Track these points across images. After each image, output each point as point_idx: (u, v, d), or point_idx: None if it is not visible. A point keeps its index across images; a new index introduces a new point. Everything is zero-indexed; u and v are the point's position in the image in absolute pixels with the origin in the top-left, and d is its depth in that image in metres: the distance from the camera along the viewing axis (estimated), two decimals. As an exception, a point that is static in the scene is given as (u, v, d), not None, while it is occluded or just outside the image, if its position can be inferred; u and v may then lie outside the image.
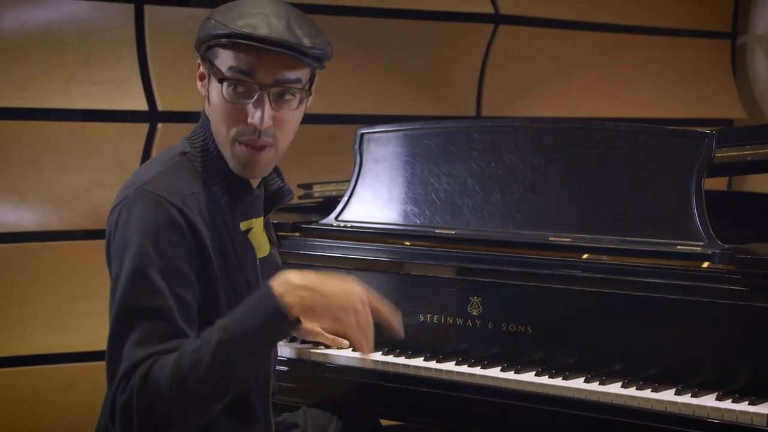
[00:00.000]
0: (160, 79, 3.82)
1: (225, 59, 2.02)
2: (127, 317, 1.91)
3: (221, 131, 2.07)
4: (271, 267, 2.23)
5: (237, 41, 1.99)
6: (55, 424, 3.72)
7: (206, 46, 2.05)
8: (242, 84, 2.02)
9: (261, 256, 2.19)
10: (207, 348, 1.86)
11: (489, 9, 4.39)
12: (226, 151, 2.08)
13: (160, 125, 3.83)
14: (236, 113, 2.03)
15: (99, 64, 3.74)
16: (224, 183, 2.09)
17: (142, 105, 3.80)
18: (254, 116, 2.02)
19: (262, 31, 1.98)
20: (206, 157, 2.10)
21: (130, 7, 3.80)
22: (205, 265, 2.00)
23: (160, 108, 3.83)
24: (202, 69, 2.10)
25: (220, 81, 2.02)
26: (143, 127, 3.82)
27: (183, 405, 1.85)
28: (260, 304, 1.91)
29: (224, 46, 2.02)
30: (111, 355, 1.92)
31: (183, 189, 2.02)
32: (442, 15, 4.31)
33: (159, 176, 2.02)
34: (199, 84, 2.11)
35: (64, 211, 3.73)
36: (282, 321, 1.91)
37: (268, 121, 2.02)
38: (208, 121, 2.12)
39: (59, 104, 3.70)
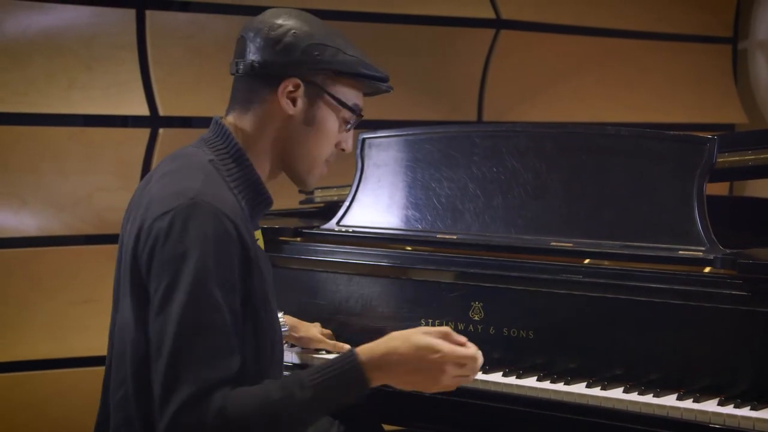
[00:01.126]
0: (161, 84, 3.83)
1: (346, 93, 2.16)
2: (189, 333, 1.89)
3: (317, 151, 2.16)
4: None
5: (377, 84, 2.19)
6: (56, 429, 3.72)
7: (324, 72, 2.12)
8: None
9: None
10: (291, 403, 1.90)
11: (490, 14, 4.40)
12: (313, 170, 2.18)
13: (161, 130, 3.83)
14: (336, 138, 2.18)
15: (100, 69, 3.74)
16: (248, 192, 2.09)
17: (143, 110, 3.81)
18: (348, 143, 2.21)
19: (381, 74, 2.20)
20: (237, 167, 2.09)
21: (132, 12, 3.80)
22: (249, 275, 1.99)
23: (161, 113, 3.83)
24: (302, 91, 2.12)
25: (353, 115, 2.18)
26: (144, 132, 3.82)
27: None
28: (348, 377, 1.94)
29: (346, 79, 2.15)
30: (170, 368, 1.88)
31: (229, 199, 2.01)
32: (443, 20, 4.31)
33: (206, 185, 2.00)
34: (287, 103, 2.11)
35: (66, 216, 3.73)
36: (364, 393, 1.96)
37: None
38: (261, 132, 2.13)
39: (61, 109, 3.70)
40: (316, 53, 2.10)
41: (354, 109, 2.17)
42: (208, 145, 2.12)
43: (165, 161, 2.14)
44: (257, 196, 2.11)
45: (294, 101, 2.11)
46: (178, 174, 2.03)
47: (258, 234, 2.19)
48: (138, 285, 1.97)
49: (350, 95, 2.16)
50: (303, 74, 2.11)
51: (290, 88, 2.10)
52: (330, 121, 2.15)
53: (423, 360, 1.95)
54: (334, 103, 2.14)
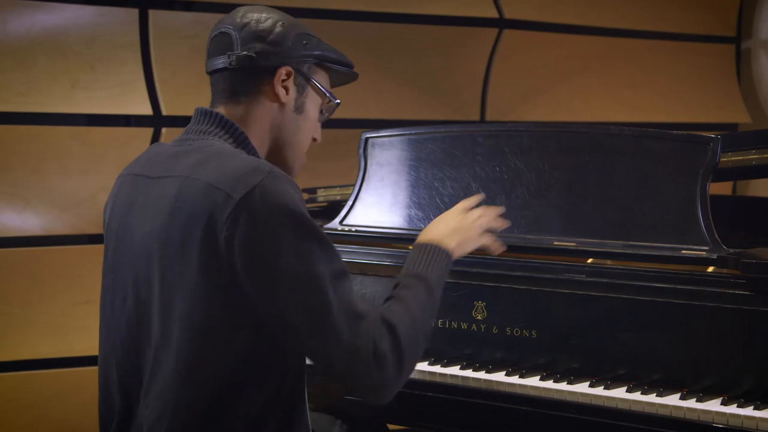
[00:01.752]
0: (164, 84, 3.83)
1: (323, 79, 2.23)
2: (336, 281, 1.94)
3: (304, 140, 2.23)
4: None
5: (348, 71, 2.26)
6: (58, 428, 3.72)
7: (310, 62, 2.20)
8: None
9: None
10: (424, 295, 2.11)
11: (493, 13, 4.39)
12: (300, 158, 2.23)
13: (164, 129, 3.83)
14: (315, 127, 2.25)
15: (103, 69, 3.75)
16: None
17: (146, 109, 3.81)
18: (319, 133, 2.26)
19: (351, 63, 2.28)
20: (247, 153, 2.12)
21: (135, 12, 3.80)
22: None
23: (164, 112, 3.83)
24: (292, 79, 2.18)
25: (334, 101, 2.24)
26: (147, 132, 3.83)
27: (421, 345, 2.07)
28: (435, 256, 2.19)
29: (323, 68, 2.22)
30: (340, 318, 1.92)
31: None
32: (446, 19, 4.31)
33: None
34: (282, 91, 2.16)
35: (69, 216, 3.73)
36: (451, 263, 2.22)
37: None
38: (256, 122, 2.16)
39: (64, 109, 3.71)
40: (304, 42, 2.18)
41: (333, 97, 2.24)
42: (212, 136, 2.12)
43: (167, 156, 2.12)
44: None
45: (286, 90, 2.17)
46: (225, 158, 2.03)
47: None
48: (214, 272, 1.95)
49: (326, 84, 2.24)
50: (294, 63, 2.17)
51: (283, 76, 2.16)
52: (314, 109, 2.23)
53: (459, 216, 2.28)
54: (320, 90, 2.22)
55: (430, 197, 2.73)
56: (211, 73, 2.18)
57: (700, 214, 2.39)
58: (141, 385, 2.04)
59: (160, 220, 2.02)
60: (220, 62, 2.15)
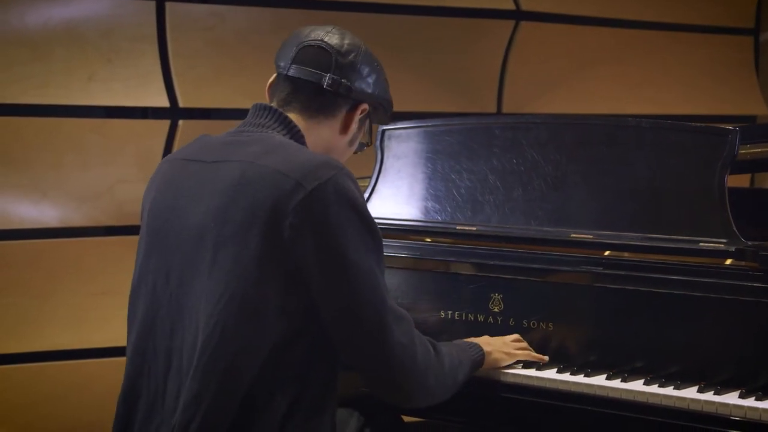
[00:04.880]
0: (181, 76, 3.83)
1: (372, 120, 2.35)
2: (382, 280, 2.08)
3: None
4: None
5: (387, 115, 2.38)
6: (77, 419, 3.74)
7: (376, 103, 2.30)
8: None
9: None
10: (461, 364, 2.29)
11: (510, 5, 4.38)
12: None
13: (181, 122, 3.84)
14: None
15: (121, 61, 3.75)
16: None
17: (163, 102, 3.81)
18: None
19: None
20: None
21: (152, 4, 3.81)
22: None
23: (181, 105, 3.84)
24: (363, 115, 2.29)
25: (371, 143, 2.41)
26: (164, 124, 3.83)
27: (443, 386, 2.22)
28: (477, 354, 2.37)
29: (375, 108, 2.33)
30: (382, 311, 2.05)
31: None
32: (463, 11, 4.31)
33: None
34: (354, 125, 2.27)
35: (86, 208, 3.74)
36: (478, 368, 2.38)
37: None
38: (316, 138, 2.23)
39: (81, 101, 3.71)
40: (386, 87, 2.31)
41: (372, 140, 2.40)
42: (271, 130, 2.17)
43: (221, 144, 2.16)
44: None
45: (358, 120, 2.27)
46: (293, 150, 2.10)
47: None
48: (271, 256, 1.99)
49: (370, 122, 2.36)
50: (373, 103, 2.28)
51: (360, 113, 2.27)
52: (358, 142, 2.33)
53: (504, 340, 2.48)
54: (368, 131, 2.34)
55: (446, 189, 2.73)
56: (289, 76, 2.22)
57: (718, 206, 2.38)
58: (170, 368, 2.06)
59: (218, 200, 2.05)
60: (312, 76, 2.20)
